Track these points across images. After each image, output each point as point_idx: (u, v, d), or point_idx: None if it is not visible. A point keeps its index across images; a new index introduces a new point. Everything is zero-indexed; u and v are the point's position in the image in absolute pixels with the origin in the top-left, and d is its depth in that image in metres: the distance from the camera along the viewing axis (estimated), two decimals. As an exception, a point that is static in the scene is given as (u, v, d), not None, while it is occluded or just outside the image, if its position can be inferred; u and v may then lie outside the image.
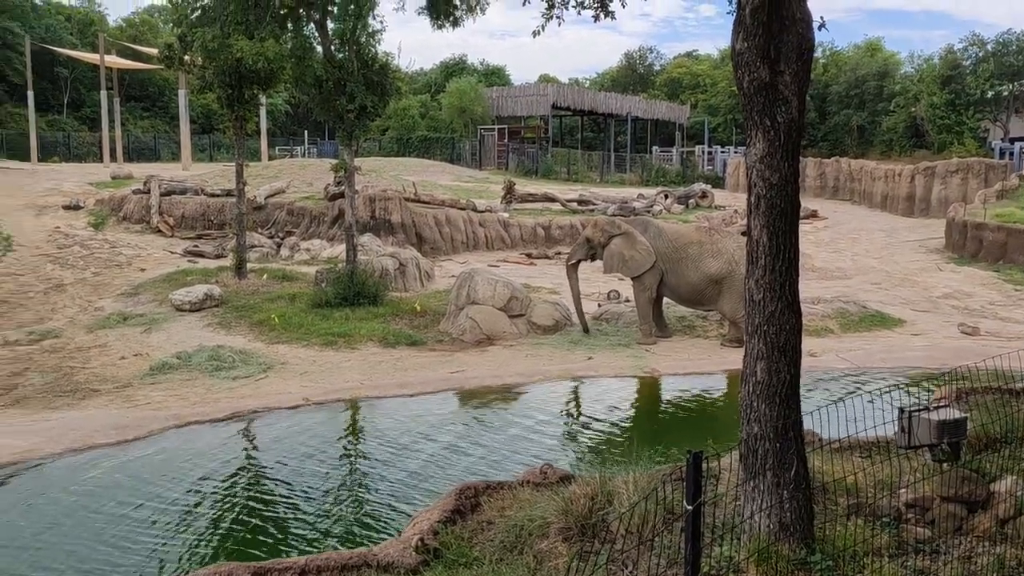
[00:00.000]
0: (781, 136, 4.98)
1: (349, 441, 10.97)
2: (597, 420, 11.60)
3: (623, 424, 11.62)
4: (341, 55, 17.15)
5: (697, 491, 3.73)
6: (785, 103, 4.96)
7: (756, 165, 5.04)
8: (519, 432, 10.90)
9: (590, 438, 10.89)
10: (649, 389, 13.28)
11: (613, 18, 8.21)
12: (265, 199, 27.04)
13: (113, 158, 46.82)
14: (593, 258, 16.36)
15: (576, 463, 9.57)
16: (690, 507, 3.73)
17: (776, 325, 5.01)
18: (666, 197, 34.87)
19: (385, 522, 8.19)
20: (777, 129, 4.97)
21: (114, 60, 50.94)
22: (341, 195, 22.89)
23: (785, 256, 5.03)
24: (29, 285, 19.83)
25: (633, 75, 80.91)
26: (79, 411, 11.51)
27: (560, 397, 12.83)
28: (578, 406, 12.63)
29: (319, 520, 8.27)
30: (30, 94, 48.01)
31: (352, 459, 10.18)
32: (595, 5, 7.94)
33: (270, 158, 47.96)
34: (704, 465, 3.79)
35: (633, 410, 12.50)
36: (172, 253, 23.48)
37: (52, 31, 57.27)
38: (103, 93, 47.47)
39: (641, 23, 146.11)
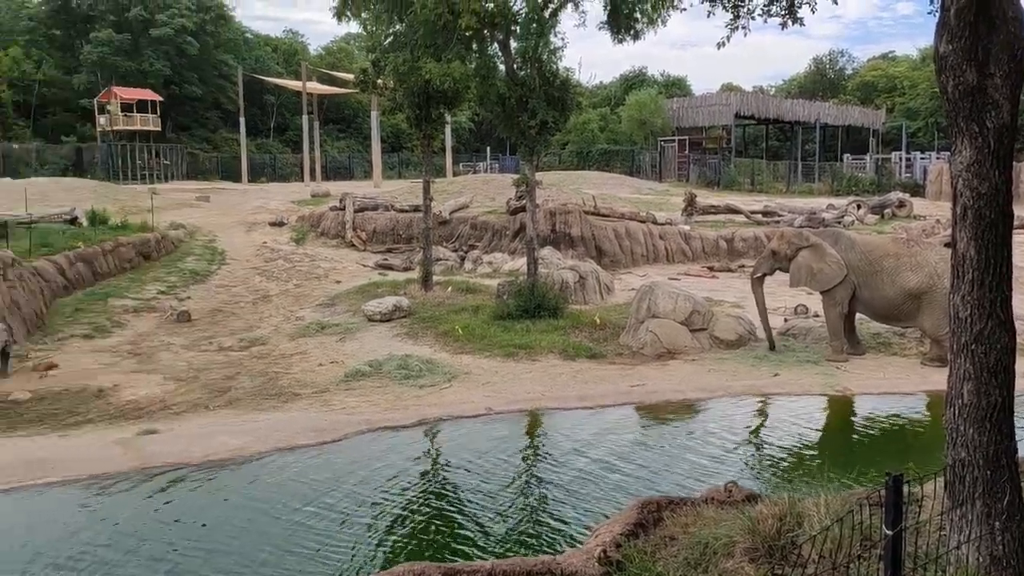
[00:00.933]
0: (990, 142, 4.66)
1: (530, 451, 11.18)
2: (783, 439, 11.19)
3: (811, 444, 11.14)
4: (523, 73, 17.56)
5: (898, 516, 3.55)
6: (995, 107, 4.64)
7: (962, 174, 4.74)
8: (701, 448, 10.71)
9: (776, 457, 10.53)
10: (840, 409, 12.65)
11: (802, 24, 7.97)
12: (450, 214, 28.06)
13: (313, 177, 50.21)
14: (779, 271, 15.81)
15: (761, 483, 9.28)
16: (890, 532, 3.56)
17: (985, 344, 4.69)
18: (859, 207, 33.11)
19: (564, 532, 8.29)
20: (986, 135, 4.66)
21: (315, 86, 54.68)
22: (522, 209, 23.39)
23: (996, 271, 4.70)
24: (240, 296, 21.60)
25: (822, 80, 77.55)
26: (283, 413, 12.40)
27: (744, 414, 12.48)
28: (763, 424, 12.24)
29: (499, 525, 8.49)
30: (242, 120, 52.41)
31: (532, 468, 10.37)
32: (783, 12, 7.74)
33: (454, 174, 49.76)
34: (905, 489, 3.60)
35: (822, 430, 11.96)
36: (364, 266, 24.82)
37: (261, 62, 62.25)
38: (305, 117, 51.01)
39: (831, 25, 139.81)
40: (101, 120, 50.79)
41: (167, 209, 31.03)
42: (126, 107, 50.63)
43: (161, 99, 52.46)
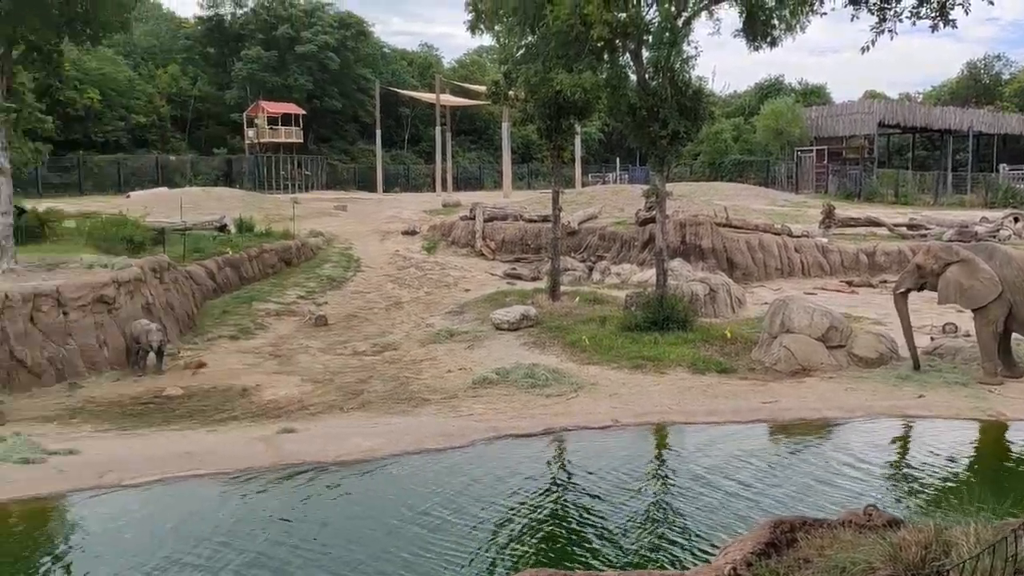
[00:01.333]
0: None
1: (656, 464, 11.04)
2: (928, 464, 10.60)
3: (960, 471, 10.51)
4: (655, 82, 17.42)
5: (1057, 550, 3.31)
6: None
7: None
8: (837, 469, 10.28)
9: (920, 482, 9.99)
10: (993, 434, 11.88)
11: (954, 26, 7.59)
12: (579, 224, 28.11)
13: (444, 187, 51.38)
14: (924, 288, 15.00)
15: (904, 508, 8.82)
16: (1047, 567, 3.32)
17: None
18: (1016, 220, 31.03)
19: (690, 549, 8.14)
20: None
21: (448, 98, 56.00)
22: (652, 220, 23.16)
23: None
24: (374, 302, 22.34)
25: (976, 86, 73.21)
26: (413, 417, 12.73)
27: (884, 436, 11.90)
28: (905, 447, 11.64)
29: (624, 538, 8.42)
30: (378, 132, 54.24)
31: (658, 482, 10.23)
32: (933, 14, 7.39)
33: (583, 185, 49.82)
34: (1066, 522, 3.36)
35: (972, 456, 11.26)
36: (493, 275, 25.19)
37: (397, 75, 64.28)
38: (438, 129, 52.32)
39: (987, 28, 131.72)
40: (249, 133, 53.72)
41: (307, 218, 32.45)
42: (272, 120, 53.37)
43: (304, 112, 55.00)
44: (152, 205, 29.11)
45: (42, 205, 23.68)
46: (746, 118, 66.53)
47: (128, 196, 36.71)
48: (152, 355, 15.61)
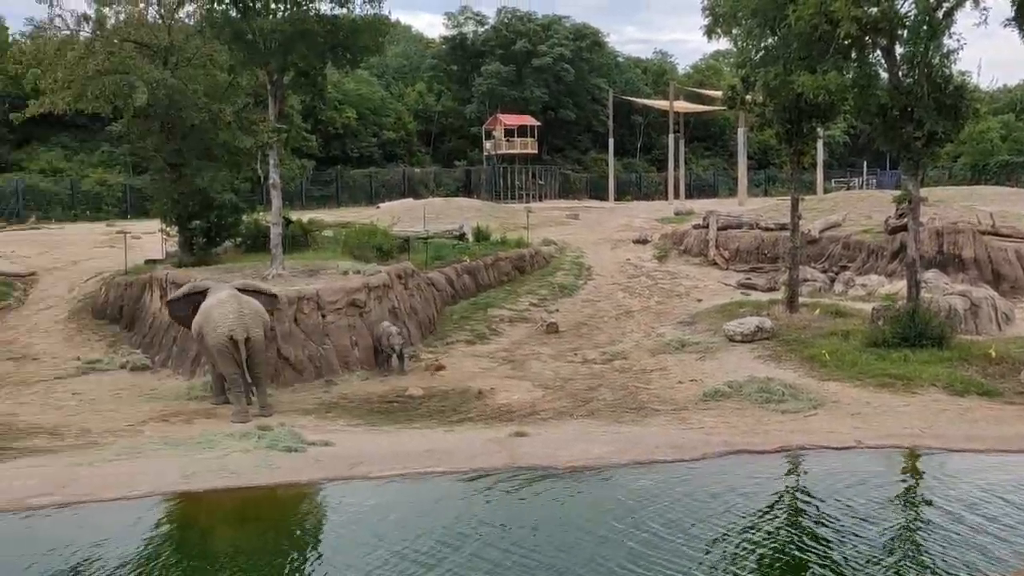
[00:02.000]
0: None
1: (901, 491, 10.25)
2: None
3: None
4: (909, 80, 16.19)
5: None
6: None
7: None
8: None
9: None
10: None
11: None
12: (820, 232, 26.71)
13: (676, 195, 50.69)
14: None
15: None
16: None
17: None
18: None
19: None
20: None
21: (682, 105, 55.26)
22: (903, 228, 21.51)
23: None
24: (604, 310, 22.49)
25: None
26: (642, 427, 12.69)
27: None
28: None
29: (870, 570, 7.89)
30: (611, 141, 54.60)
31: (908, 510, 9.50)
32: None
33: (825, 191, 47.21)
34: None
35: None
36: (726, 285, 24.52)
37: (631, 84, 64.36)
38: (671, 136, 51.75)
39: None
40: (487, 145, 56.04)
41: (540, 226, 33.27)
42: (508, 132, 55.32)
43: (539, 124, 56.51)
44: (399, 215, 31.14)
45: (305, 216, 26.03)
46: (1017, 115, 60.07)
47: (378, 207, 39.49)
48: (395, 357, 16.70)
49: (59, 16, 19.83)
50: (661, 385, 15.25)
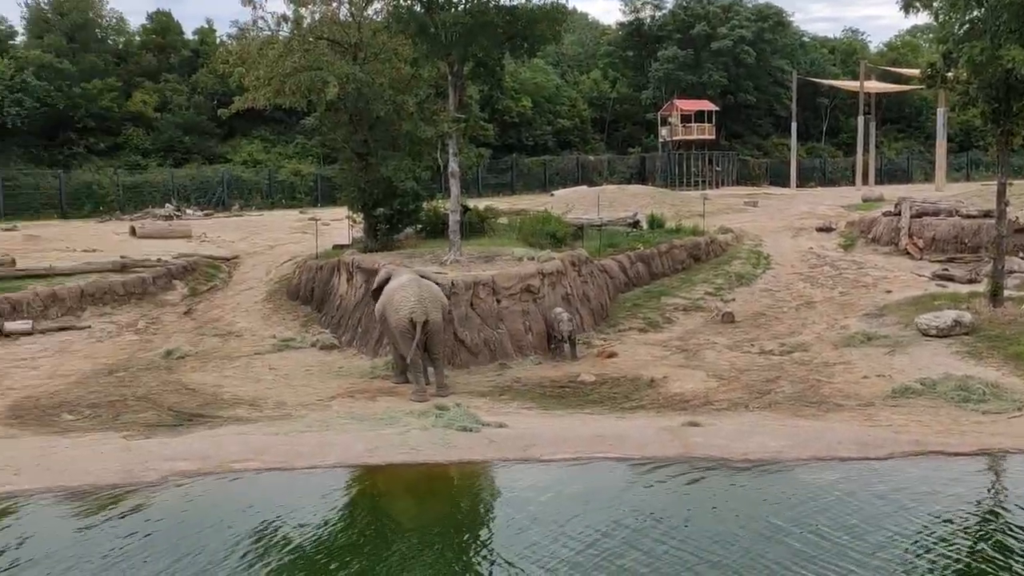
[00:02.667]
0: None
1: None
2: None
3: None
4: None
5: None
6: None
7: None
8: None
9: None
10: None
11: None
12: (1029, 220, 24.49)
13: (865, 181, 48.02)
14: None
15: None
16: None
17: None
18: None
19: None
20: None
21: (873, 85, 52.18)
22: None
23: None
24: (783, 301, 21.68)
25: None
26: (823, 422, 12.17)
27: None
28: None
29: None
30: (793, 125, 52.39)
31: None
32: None
33: (1037, 175, 43.20)
34: None
35: None
36: (919, 276, 23.00)
37: (816, 64, 61.43)
38: (860, 118, 49.03)
39: None
40: (662, 131, 55.21)
41: (716, 214, 32.47)
42: (685, 118, 54.24)
43: (717, 109, 55.04)
44: (573, 202, 31.29)
45: (481, 204, 26.67)
46: None
47: (552, 195, 39.88)
48: (566, 343, 16.85)
49: (261, 18, 21.36)
50: (845, 379, 14.56)
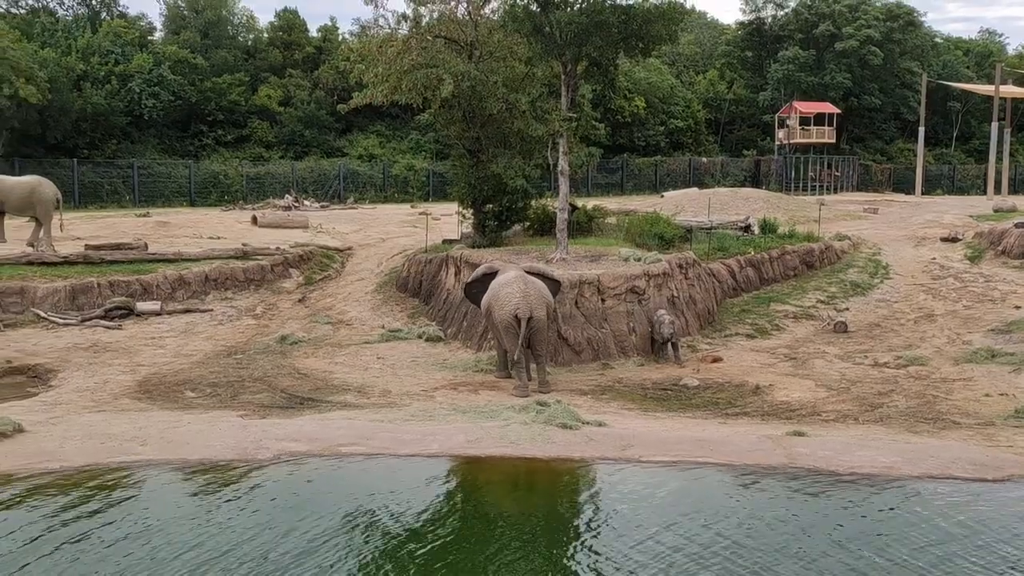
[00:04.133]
0: None
1: None
2: None
3: None
4: None
5: None
6: None
7: None
8: None
9: None
10: None
11: None
12: None
13: (998, 190, 45.56)
14: None
15: None
16: None
17: None
18: None
19: None
20: None
21: (1009, 89, 49.48)
22: None
23: None
24: (901, 312, 20.87)
25: None
26: (938, 439, 11.70)
27: None
28: None
29: None
30: (921, 130, 50.16)
31: None
32: None
33: None
34: None
35: None
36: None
37: (949, 67, 58.64)
38: (994, 124, 46.54)
39: None
40: (780, 134, 53.76)
41: (833, 220, 31.46)
42: (804, 121, 52.66)
43: (838, 112, 53.21)
44: (683, 204, 30.93)
45: (590, 203, 26.67)
46: None
47: (662, 196, 39.48)
48: (669, 345, 16.71)
49: (382, 16, 22.05)
50: (964, 397, 13.95)
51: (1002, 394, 13.92)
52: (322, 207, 37.24)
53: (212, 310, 20.15)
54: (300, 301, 21.69)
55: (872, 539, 8.52)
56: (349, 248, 26.64)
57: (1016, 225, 26.74)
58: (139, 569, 7.82)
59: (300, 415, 12.69)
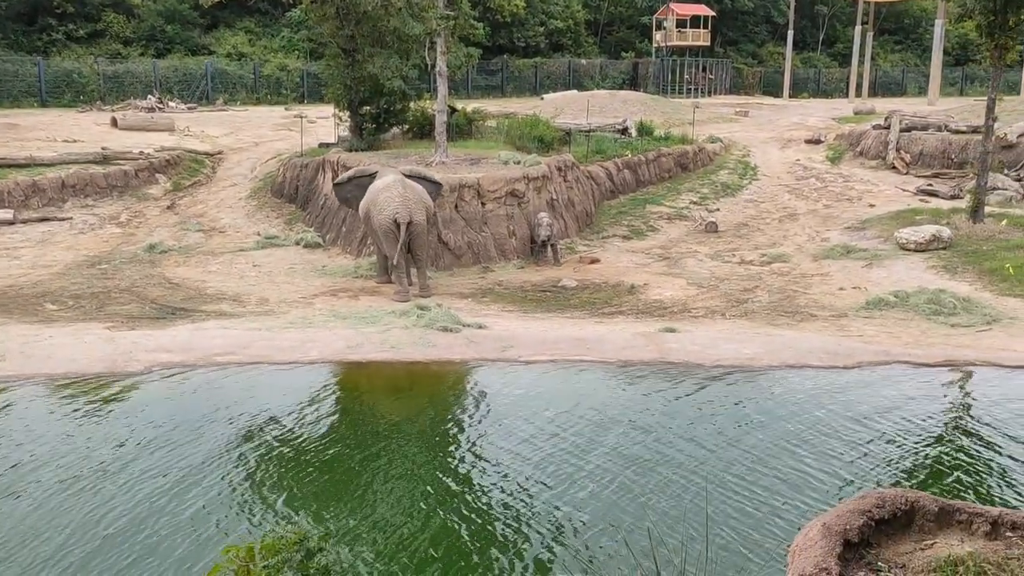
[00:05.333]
0: None
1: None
2: None
3: None
4: None
5: None
6: None
7: None
8: None
9: None
10: None
11: None
12: (1017, 137, 24.43)
13: (858, 93, 47.51)
14: None
15: None
16: None
17: None
18: None
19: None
20: None
21: (873, -7, 51.08)
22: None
23: None
24: (767, 212, 21.76)
25: None
26: (796, 331, 12.42)
27: None
28: None
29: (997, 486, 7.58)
30: (790, 33, 51.43)
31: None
32: None
33: (1031, 92, 42.83)
34: None
35: None
36: (903, 191, 23.08)
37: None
38: (858, 28, 48.15)
39: None
40: (657, 36, 54.06)
41: (706, 123, 32.19)
42: (681, 23, 53.05)
43: (713, 14, 53.83)
44: (562, 107, 30.90)
45: (470, 105, 26.27)
46: None
47: (542, 98, 39.29)
48: (548, 247, 16.93)
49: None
50: (821, 291, 14.79)
51: (855, 287, 14.82)
52: (189, 109, 35.29)
53: (72, 218, 19.02)
54: (169, 208, 20.74)
55: (725, 416, 9.06)
56: (220, 152, 25.49)
57: (873, 127, 28.06)
58: (1, 484, 7.51)
59: (173, 326, 12.28)
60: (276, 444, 8.59)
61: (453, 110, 22.19)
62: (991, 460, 8.29)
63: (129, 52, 42.50)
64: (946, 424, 9.29)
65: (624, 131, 26.56)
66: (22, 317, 12.63)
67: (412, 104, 22.58)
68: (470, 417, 9.49)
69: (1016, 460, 8.21)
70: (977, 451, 8.49)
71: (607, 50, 57.29)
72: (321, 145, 23.41)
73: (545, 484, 7.71)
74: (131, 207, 20.33)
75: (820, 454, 8.29)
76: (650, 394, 10.01)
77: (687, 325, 12.70)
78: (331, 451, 8.47)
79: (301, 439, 8.74)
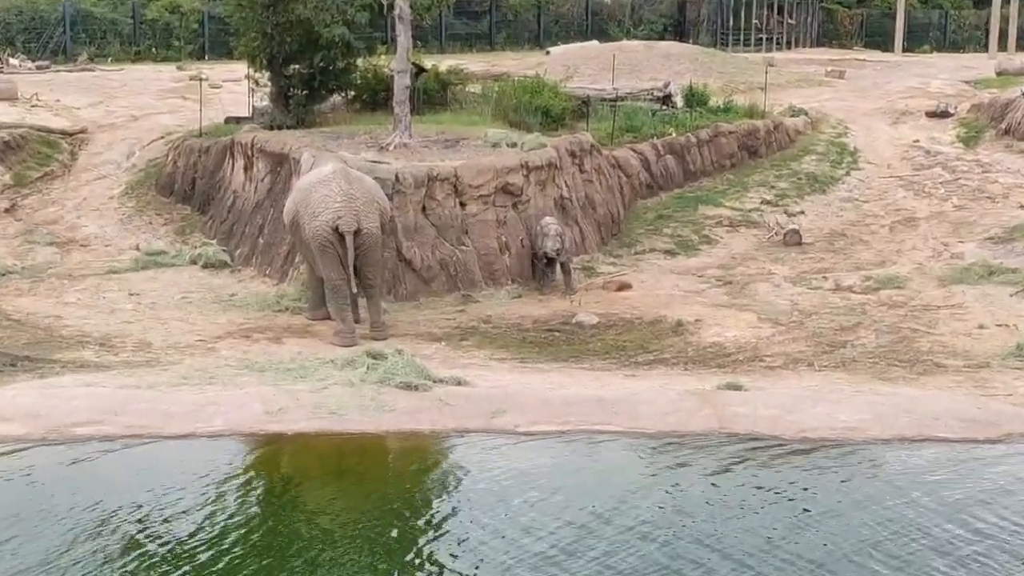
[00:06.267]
0: None
1: None
2: None
3: None
4: None
5: None
6: None
7: None
8: None
9: None
10: None
11: None
12: None
13: (1003, 47, 47.76)
14: None
15: None
16: None
17: None
18: None
19: None
20: None
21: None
22: None
23: None
24: (873, 215, 21.88)
25: None
26: (917, 389, 12.41)
27: None
28: None
29: None
30: (903, -40, 51.81)
31: None
32: None
33: None
34: None
35: None
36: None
37: None
38: (999, -47, 48.55)
39: None
40: (713, -36, 54.68)
41: (786, 87, 32.40)
42: (746, -55, 53.70)
43: (793, -66, 54.55)
44: (577, 65, 31.09)
45: (444, 63, 26.45)
46: None
47: (547, 52, 39.53)
48: (557, 267, 16.94)
49: None
50: (952, 330, 14.83)
51: (1000, 324, 14.85)
52: (39, 68, 35.41)
53: None
54: (7, 212, 20.77)
55: (822, 527, 8.99)
56: (83, 130, 25.53)
57: (1024, 94, 28.22)
58: None
59: (13, 381, 12.23)
60: (153, 564, 8.47)
61: (420, 70, 22.36)
62: None
63: (-47, -13, 42.74)
64: None
65: (666, 100, 26.70)
66: None
67: (360, 61, 22.70)
68: (441, 521, 9.40)
69: None
70: None
71: (641, -16, 57.78)
72: (229, 120, 23.50)
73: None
74: (-47, 210, 20.37)
75: None
76: (707, 485, 9.93)
77: (759, 380, 12.69)
78: (235, 564, 8.39)
79: (191, 555, 8.64)
